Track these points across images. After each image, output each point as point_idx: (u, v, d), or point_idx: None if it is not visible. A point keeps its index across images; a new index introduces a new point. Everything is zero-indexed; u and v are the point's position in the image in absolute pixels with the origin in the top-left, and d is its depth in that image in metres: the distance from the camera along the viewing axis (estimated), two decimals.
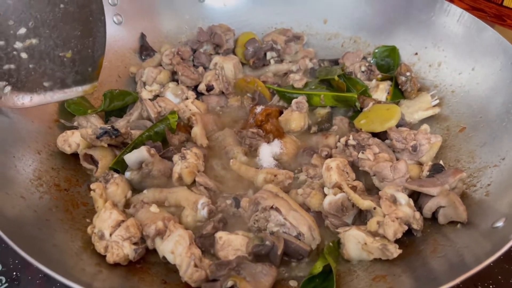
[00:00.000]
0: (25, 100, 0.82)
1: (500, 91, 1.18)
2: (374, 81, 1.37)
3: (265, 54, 1.47)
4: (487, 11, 1.69)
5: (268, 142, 1.22)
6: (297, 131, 1.27)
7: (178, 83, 1.39)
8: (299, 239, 0.97)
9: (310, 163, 1.18)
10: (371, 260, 0.96)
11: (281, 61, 1.49)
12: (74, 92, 0.90)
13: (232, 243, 0.98)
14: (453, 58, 1.34)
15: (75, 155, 1.16)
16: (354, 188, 1.04)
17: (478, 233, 0.93)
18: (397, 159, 1.13)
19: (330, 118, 1.29)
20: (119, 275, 0.91)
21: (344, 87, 1.31)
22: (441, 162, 1.11)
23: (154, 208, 1.01)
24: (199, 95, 1.39)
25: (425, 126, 1.23)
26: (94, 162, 1.15)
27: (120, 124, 1.23)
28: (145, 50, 1.47)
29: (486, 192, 1.02)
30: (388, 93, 1.35)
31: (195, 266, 0.89)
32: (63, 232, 0.96)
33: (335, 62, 1.45)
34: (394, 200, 0.99)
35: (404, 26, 1.45)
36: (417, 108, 1.30)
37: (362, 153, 1.13)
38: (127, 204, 1.07)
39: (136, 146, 1.12)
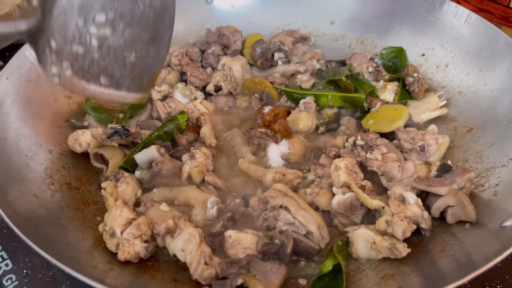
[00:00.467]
0: (81, 87, 0.82)
1: (507, 91, 1.18)
2: (381, 82, 1.38)
3: (272, 55, 1.48)
4: (494, 13, 1.70)
5: (276, 142, 1.23)
6: (305, 131, 1.28)
7: (187, 84, 1.40)
8: (308, 238, 0.98)
9: (318, 163, 1.19)
10: (380, 259, 0.97)
11: (289, 62, 1.50)
12: (125, 97, 0.91)
13: (242, 242, 0.99)
14: (460, 59, 1.34)
15: (85, 154, 1.17)
16: (362, 188, 1.05)
17: (486, 233, 0.93)
18: (405, 159, 1.14)
19: (337, 119, 1.29)
20: (130, 272, 0.92)
21: (352, 88, 1.31)
22: (449, 162, 1.12)
23: (164, 207, 1.02)
24: (207, 95, 1.40)
25: (432, 127, 1.23)
26: (104, 161, 1.16)
27: (130, 124, 1.24)
28: None
29: (495, 192, 1.02)
30: (395, 93, 1.35)
31: (205, 264, 0.90)
32: (74, 230, 0.97)
33: (342, 63, 1.45)
34: (402, 200, 1.00)
35: (411, 27, 1.45)
36: (425, 109, 1.30)
37: (370, 153, 1.13)
38: (137, 203, 1.09)
39: (146, 145, 1.13)
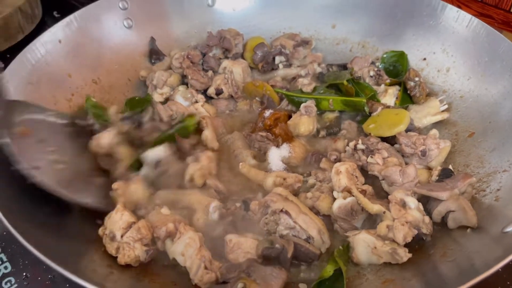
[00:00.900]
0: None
1: (509, 96, 1.18)
2: (382, 86, 1.38)
3: (273, 58, 1.48)
4: (495, 18, 1.70)
5: (277, 145, 1.23)
6: (306, 135, 1.28)
7: (188, 87, 1.40)
8: (309, 242, 0.98)
9: (319, 167, 1.18)
10: (381, 264, 0.97)
11: (290, 65, 1.50)
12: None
13: (242, 246, 0.98)
14: (462, 63, 1.34)
15: None
16: (363, 192, 1.05)
17: (488, 238, 0.93)
18: (406, 164, 1.14)
19: (338, 122, 1.29)
20: (130, 276, 0.91)
21: (353, 92, 1.31)
22: (450, 167, 1.11)
23: (165, 210, 1.02)
24: (208, 98, 1.40)
25: (434, 131, 1.23)
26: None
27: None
28: (154, 54, 1.48)
29: (496, 197, 1.02)
30: (396, 98, 1.35)
31: (205, 268, 0.90)
32: (74, 234, 0.96)
33: (344, 66, 1.45)
34: (403, 204, 1.00)
35: (412, 31, 1.45)
36: (426, 113, 1.30)
37: (371, 157, 1.13)
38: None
39: (153, 146, 1.14)
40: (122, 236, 0.94)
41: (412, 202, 0.99)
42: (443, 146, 1.17)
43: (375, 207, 1.00)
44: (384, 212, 0.99)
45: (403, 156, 1.18)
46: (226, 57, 1.51)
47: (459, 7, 1.44)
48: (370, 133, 1.22)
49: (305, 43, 1.52)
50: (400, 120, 1.21)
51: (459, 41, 1.35)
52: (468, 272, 0.83)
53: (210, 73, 1.43)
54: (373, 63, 1.45)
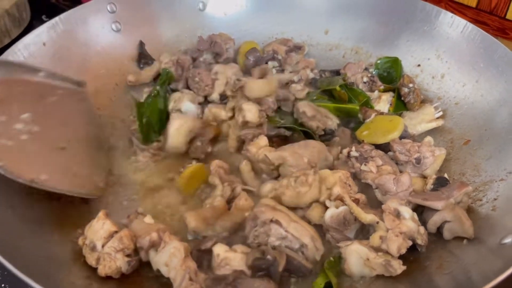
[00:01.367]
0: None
1: (505, 103, 1.15)
2: (376, 92, 1.34)
3: (266, 63, 1.44)
4: (490, 24, 1.68)
5: None
6: None
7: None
8: (302, 252, 0.94)
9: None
10: (374, 276, 0.93)
11: (282, 71, 1.46)
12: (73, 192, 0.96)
13: (231, 262, 0.93)
14: (457, 70, 1.31)
15: None
16: (356, 201, 1.01)
17: (485, 250, 0.89)
18: (401, 172, 1.10)
19: (332, 129, 1.25)
20: None
21: (346, 98, 1.28)
22: (445, 175, 1.08)
23: (148, 219, 0.98)
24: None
25: (428, 138, 1.19)
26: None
27: None
28: (143, 58, 1.44)
29: (493, 207, 0.98)
30: (390, 104, 1.32)
31: (190, 279, 0.86)
32: (52, 244, 0.92)
33: (337, 72, 1.42)
34: (397, 214, 0.96)
35: (406, 37, 1.43)
36: (420, 120, 1.27)
37: (365, 165, 1.10)
38: None
39: None
40: (103, 246, 0.89)
41: (407, 212, 0.96)
42: (438, 153, 1.13)
43: (368, 217, 0.97)
44: (377, 222, 0.96)
45: (397, 164, 1.14)
46: (217, 62, 1.47)
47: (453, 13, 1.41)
48: (363, 140, 1.19)
49: (297, 48, 1.49)
50: (394, 127, 1.17)
51: (454, 47, 1.32)
52: (465, 286, 0.79)
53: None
54: (366, 69, 1.42)
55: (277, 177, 1.13)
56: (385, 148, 1.18)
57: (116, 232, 0.92)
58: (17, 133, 0.88)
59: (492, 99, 1.19)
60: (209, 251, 0.97)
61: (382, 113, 1.26)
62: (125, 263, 0.89)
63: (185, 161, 1.20)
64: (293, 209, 1.04)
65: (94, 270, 0.89)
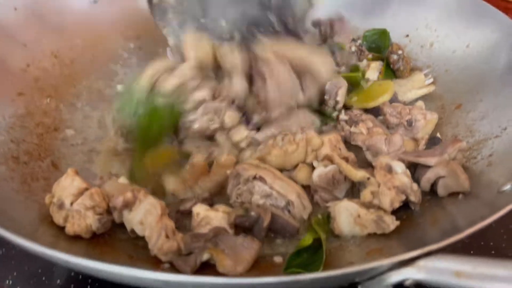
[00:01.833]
0: None
1: (496, 63, 1.11)
2: (364, 61, 1.30)
3: None
4: None
5: None
6: None
7: None
8: (289, 210, 0.87)
9: None
10: (365, 235, 0.86)
11: None
12: None
13: (211, 222, 0.86)
14: (446, 37, 1.28)
15: (40, 133, 1.06)
16: (345, 159, 0.95)
17: (481, 202, 0.84)
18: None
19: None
20: (79, 247, 0.79)
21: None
22: (438, 135, 1.03)
23: (122, 180, 0.91)
24: None
25: (420, 103, 1.15)
26: None
27: None
28: None
29: (488, 163, 0.93)
30: (380, 72, 1.27)
31: (167, 236, 0.79)
32: (16, 203, 0.84)
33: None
34: (389, 170, 0.90)
35: (394, 9, 1.39)
36: (410, 87, 1.22)
37: (355, 127, 1.05)
38: None
39: None
40: (72, 204, 0.82)
41: (399, 166, 0.90)
42: (430, 117, 1.08)
43: (358, 174, 0.91)
44: (368, 179, 0.90)
45: (388, 128, 1.09)
46: None
47: None
48: (352, 106, 1.13)
49: None
50: (384, 90, 1.13)
51: (443, 14, 1.29)
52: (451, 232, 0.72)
53: None
54: (354, 40, 1.38)
55: None
56: (375, 114, 1.13)
57: (86, 189, 0.84)
58: None
59: (483, 61, 1.15)
60: (189, 214, 0.91)
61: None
62: (96, 221, 0.81)
63: None
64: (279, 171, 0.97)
65: (62, 229, 0.82)
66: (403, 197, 0.86)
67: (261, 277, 0.62)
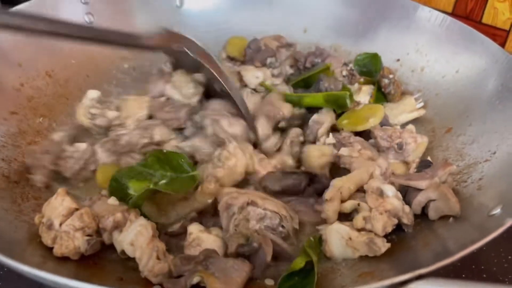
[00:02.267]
0: None
1: (485, 88, 1.13)
2: (356, 84, 1.32)
3: (265, 58, 1.40)
4: None
5: None
6: None
7: None
8: (283, 225, 0.88)
9: None
10: (357, 258, 0.86)
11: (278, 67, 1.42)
12: None
13: (202, 244, 0.86)
14: (436, 62, 1.30)
15: None
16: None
17: (470, 225, 0.84)
18: None
19: (302, 118, 1.19)
20: (67, 269, 0.78)
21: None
22: (429, 158, 1.04)
23: (112, 200, 0.90)
24: None
25: (410, 126, 1.16)
26: None
27: None
28: None
29: (478, 186, 0.94)
30: (371, 96, 1.29)
31: (158, 258, 0.78)
32: (5, 222, 0.84)
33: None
34: (380, 193, 0.91)
35: (385, 33, 1.42)
36: (401, 111, 1.24)
37: (343, 149, 1.05)
38: None
39: None
40: (61, 224, 0.81)
41: (390, 189, 0.90)
42: (420, 141, 1.09)
43: (347, 205, 0.91)
44: (358, 205, 0.90)
45: (378, 151, 1.10)
46: None
47: None
48: (342, 129, 1.14)
49: (289, 46, 1.46)
50: (374, 113, 1.14)
51: (433, 40, 1.32)
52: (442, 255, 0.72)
53: None
54: (345, 64, 1.40)
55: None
56: (366, 137, 1.13)
57: (76, 209, 0.84)
58: None
59: (473, 86, 1.17)
60: (178, 235, 0.91)
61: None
62: (84, 242, 0.80)
63: None
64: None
65: (50, 250, 0.81)
66: (395, 221, 0.87)
67: None
